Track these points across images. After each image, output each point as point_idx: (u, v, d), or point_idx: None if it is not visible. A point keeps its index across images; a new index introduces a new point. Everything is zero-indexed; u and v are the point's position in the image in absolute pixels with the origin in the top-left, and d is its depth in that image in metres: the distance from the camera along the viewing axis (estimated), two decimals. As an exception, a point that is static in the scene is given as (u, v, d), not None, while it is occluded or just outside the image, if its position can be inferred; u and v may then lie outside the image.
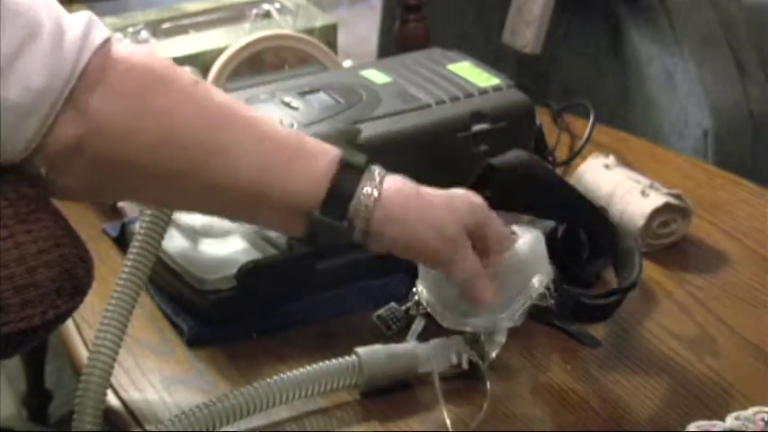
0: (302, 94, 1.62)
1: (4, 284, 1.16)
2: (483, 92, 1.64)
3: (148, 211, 1.34)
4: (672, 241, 1.66)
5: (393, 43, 2.28)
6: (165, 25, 1.92)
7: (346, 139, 1.52)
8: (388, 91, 1.64)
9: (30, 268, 1.17)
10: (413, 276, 1.44)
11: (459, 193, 1.38)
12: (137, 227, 1.54)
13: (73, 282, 1.20)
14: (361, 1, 3.84)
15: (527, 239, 1.39)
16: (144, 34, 1.88)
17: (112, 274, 1.58)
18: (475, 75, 1.68)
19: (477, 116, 1.60)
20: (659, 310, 1.55)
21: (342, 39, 1.96)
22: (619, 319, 1.52)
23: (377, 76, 1.68)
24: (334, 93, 1.63)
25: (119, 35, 1.86)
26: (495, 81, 1.66)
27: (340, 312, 1.54)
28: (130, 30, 1.88)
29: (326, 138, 1.50)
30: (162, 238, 1.35)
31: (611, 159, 1.74)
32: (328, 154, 1.29)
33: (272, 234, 1.55)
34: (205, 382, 1.44)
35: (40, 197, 1.25)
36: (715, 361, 1.46)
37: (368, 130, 1.55)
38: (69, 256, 1.20)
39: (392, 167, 1.54)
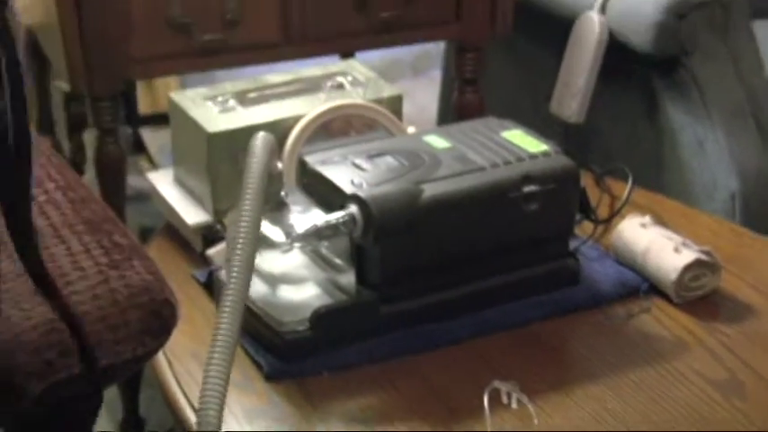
0: (371, 156, 1.62)
1: (99, 324, 1.17)
2: (533, 157, 1.63)
3: (236, 262, 1.34)
4: (703, 294, 1.65)
5: (451, 112, 2.28)
6: (251, 95, 1.93)
7: (410, 198, 1.52)
8: (447, 155, 1.63)
9: (122, 310, 1.18)
10: (472, 319, 1.44)
11: None
12: (223, 275, 1.56)
13: (160, 322, 1.20)
14: (421, 74, 3.85)
15: None
16: (232, 103, 1.88)
17: (201, 315, 1.60)
18: (526, 141, 1.67)
19: (528, 179, 1.59)
20: (691, 356, 1.54)
21: (404, 107, 1.96)
22: (653, 362, 1.51)
23: (438, 142, 1.68)
24: (400, 156, 1.63)
25: (209, 103, 1.87)
26: (543, 147, 1.66)
27: (402, 353, 1.53)
28: (220, 98, 1.89)
29: (392, 197, 1.52)
30: (249, 287, 1.35)
31: (647, 219, 1.73)
32: None
33: (343, 281, 1.55)
34: (281, 413, 1.45)
35: (133, 246, 1.26)
36: (743, 404, 1.45)
37: (430, 190, 1.54)
38: (157, 299, 1.20)
39: (451, 224, 1.56)
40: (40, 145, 1.44)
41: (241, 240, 1.36)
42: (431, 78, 3.59)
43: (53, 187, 1.33)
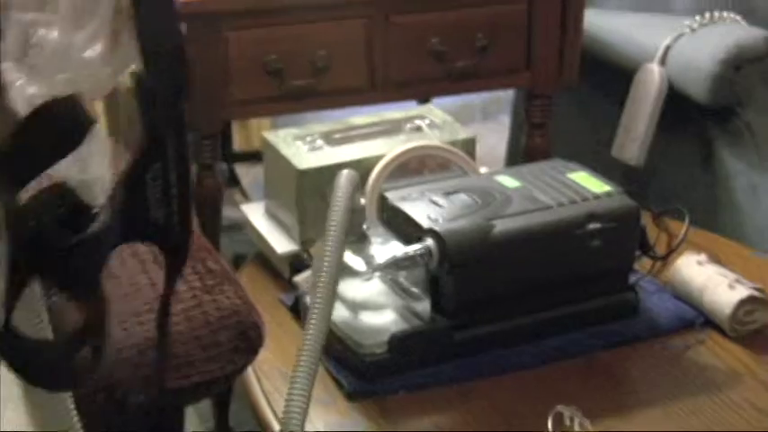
0: (447, 194, 1.61)
1: (192, 343, 1.17)
2: (597, 197, 1.61)
3: (321, 288, 1.32)
4: (755, 328, 1.62)
5: (519, 153, 2.27)
6: (336, 135, 1.93)
7: (482, 233, 1.51)
8: (517, 193, 1.62)
9: (213, 330, 1.18)
10: (538, 347, 1.42)
11: None
12: (308, 300, 1.55)
13: (247, 343, 1.21)
14: (491, 118, 3.83)
15: None
16: (319, 142, 1.88)
17: (287, 336, 1.59)
18: (590, 182, 1.66)
19: (592, 217, 1.57)
20: (744, 387, 1.51)
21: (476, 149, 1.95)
22: (707, 391, 1.48)
23: (508, 181, 1.66)
24: (473, 194, 1.62)
25: (299, 143, 1.87)
26: (607, 188, 1.64)
27: (472, 376, 1.51)
28: (308, 138, 1.89)
29: (466, 232, 1.51)
30: (332, 312, 1.34)
31: (702, 257, 1.71)
32: None
33: (419, 308, 1.54)
34: (360, 428, 1.44)
35: (224, 272, 1.26)
36: (793, 433, 1.42)
37: (501, 226, 1.53)
38: (245, 321, 1.21)
39: (520, 258, 1.54)
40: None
41: (325, 268, 1.35)
42: (499, 122, 3.58)
43: (156, 217, 1.33)
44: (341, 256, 1.37)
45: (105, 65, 0.84)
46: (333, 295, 1.34)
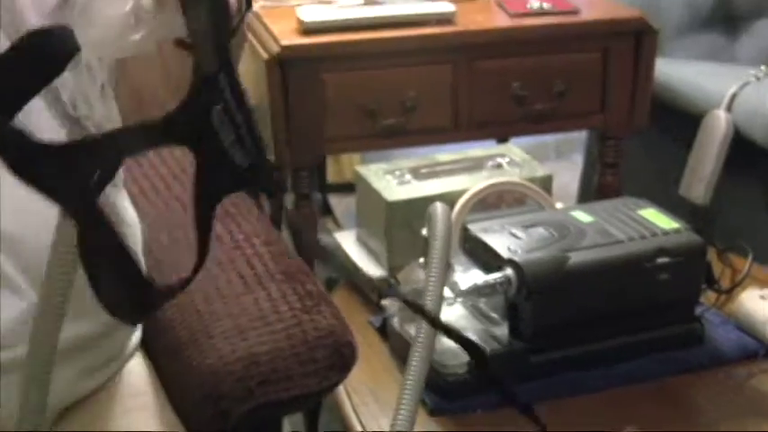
0: (525, 227, 1.61)
1: (292, 359, 1.17)
2: (665, 233, 1.60)
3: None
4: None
5: (591, 190, 2.25)
6: (423, 170, 1.93)
7: (558, 264, 1.50)
8: (591, 228, 1.61)
9: (310, 348, 1.19)
10: (608, 371, 1.40)
11: None
12: (394, 321, 1.56)
13: (342, 360, 1.21)
14: (564, 156, 3.81)
15: None
16: (407, 177, 1.89)
17: (374, 355, 1.60)
18: (659, 219, 1.64)
19: (661, 251, 1.56)
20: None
21: (551, 185, 1.95)
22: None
23: (582, 216, 1.65)
24: (550, 227, 1.61)
25: (389, 176, 1.88)
26: (675, 225, 1.62)
27: (546, 397, 1.50)
28: (397, 173, 1.90)
29: (543, 262, 1.50)
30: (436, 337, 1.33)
31: (765, 291, 1.68)
32: None
33: (498, 332, 1.53)
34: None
35: (322, 294, 1.27)
36: None
37: (575, 258, 1.52)
38: (340, 341, 1.21)
39: (593, 288, 1.53)
40: (249, 206, 1.46)
41: (430, 294, 1.35)
42: (572, 161, 3.56)
43: (259, 242, 1.35)
44: (443, 284, 1.37)
45: (132, 29, 0.79)
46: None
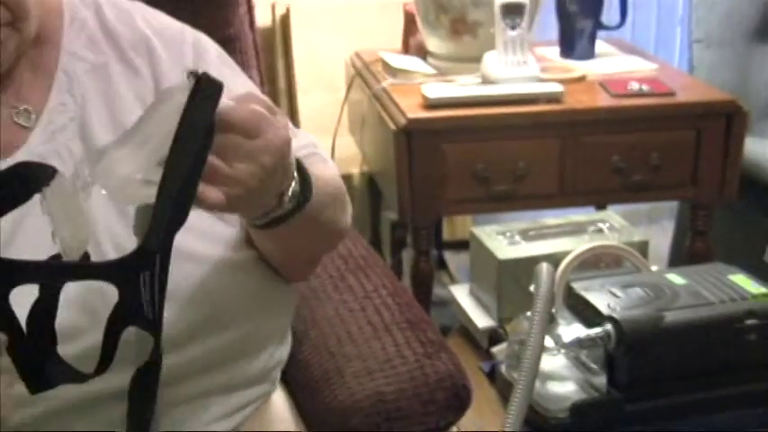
0: (623, 287, 1.58)
1: (414, 399, 1.18)
2: (754, 296, 1.56)
3: (526, 363, 1.31)
4: None
5: (682, 255, 2.22)
6: (531, 232, 1.92)
7: (654, 321, 1.48)
8: (684, 290, 1.58)
9: (431, 390, 1.19)
10: (701, 422, 1.37)
11: None
12: (503, 368, 1.55)
13: (458, 402, 1.21)
14: (656, 222, 3.76)
15: None
16: (517, 238, 1.88)
17: (483, 398, 1.58)
18: (748, 284, 1.60)
19: (750, 314, 1.52)
20: None
21: (642, 249, 1.92)
22: None
23: (676, 279, 1.62)
24: (646, 288, 1.58)
25: (500, 237, 1.87)
26: (763, 290, 1.58)
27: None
28: (507, 234, 1.89)
29: (640, 320, 1.47)
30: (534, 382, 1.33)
31: None
32: None
33: (597, 382, 1.51)
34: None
35: (441, 342, 1.27)
36: None
37: (669, 317, 1.49)
38: (458, 384, 1.21)
39: (686, 344, 1.50)
40: (377, 260, 1.47)
41: (531, 346, 1.34)
42: (663, 227, 3.50)
43: (386, 293, 1.35)
44: (544, 335, 1.37)
45: (140, 187, 0.87)
46: (536, 368, 1.33)
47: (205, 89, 0.87)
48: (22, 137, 1.11)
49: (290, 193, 0.99)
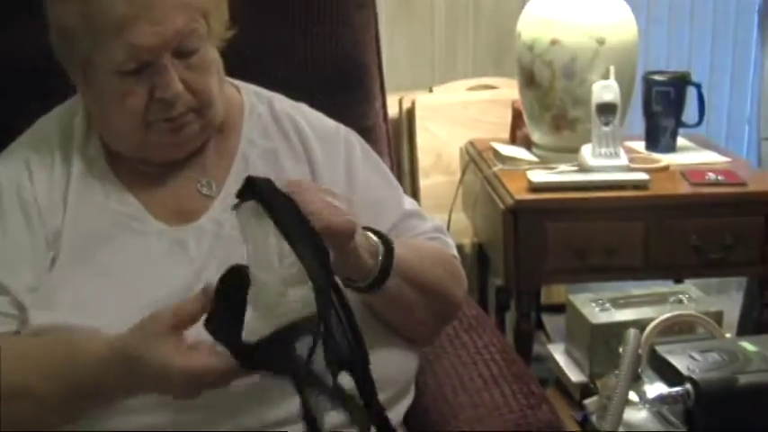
0: (701, 351, 1.52)
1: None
2: (821, 357, 1.49)
3: (613, 415, 1.27)
4: None
5: (751, 324, 2.14)
6: (620, 301, 1.89)
7: (729, 383, 1.42)
8: (756, 356, 1.50)
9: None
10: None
11: None
12: (593, 418, 1.50)
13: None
14: (724, 293, 3.63)
15: None
16: (607, 305, 1.85)
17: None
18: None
19: (816, 376, 1.45)
20: None
21: (715, 317, 1.86)
22: None
23: (748, 346, 1.55)
24: (722, 353, 1.51)
25: (593, 304, 1.84)
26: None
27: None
28: (599, 302, 1.86)
29: (716, 382, 1.42)
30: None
31: None
32: None
33: (672, 419, 1.45)
34: None
35: (542, 394, 1.24)
36: None
37: (743, 380, 1.42)
38: (554, 427, 1.18)
39: (758, 405, 1.43)
40: (487, 321, 1.45)
41: (617, 397, 1.31)
42: (731, 298, 3.38)
43: (494, 350, 1.34)
44: (629, 391, 1.33)
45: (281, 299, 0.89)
46: (621, 419, 1.30)
47: (261, 186, 0.91)
48: (205, 205, 1.15)
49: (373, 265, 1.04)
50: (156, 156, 1.14)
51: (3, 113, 1.31)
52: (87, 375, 0.97)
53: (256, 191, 0.90)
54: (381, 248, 1.05)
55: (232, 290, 0.88)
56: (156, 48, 1.05)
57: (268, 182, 0.91)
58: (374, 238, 1.05)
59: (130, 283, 1.07)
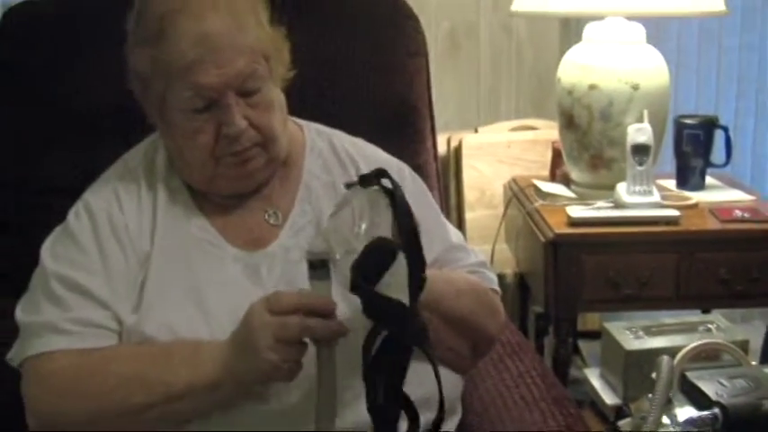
0: (729, 377, 1.50)
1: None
2: (842, 393, 1.46)
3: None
4: None
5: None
6: (653, 329, 1.89)
7: (755, 408, 1.41)
8: (781, 383, 1.50)
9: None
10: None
11: None
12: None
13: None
14: (747, 322, 3.57)
15: None
16: (641, 333, 1.85)
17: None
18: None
19: (838, 407, 1.43)
20: None
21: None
22: None
23: (774, 374, 1.55)
24: (748, 380, 1.49)
25: (627, 332, 1.83)
26: None
27: None
28: (633, 329, 1.86)
29: (743, 406, 1.40)
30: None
31: None
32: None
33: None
34: None
35: (579, 416, 1.24)
36: None
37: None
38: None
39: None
40: (529, 347, 1.46)
41: (651, 419, 1.30)
42: (754, 326, 3.32)
43: (535, 374, 1.34)
44: (662, 413, 1.32)
45: None
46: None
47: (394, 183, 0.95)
48: (273, 233, 1.18)
49: None
50: (225, 188, 1.17)
51: (89, 149, 1.35)
52: (216, 366, 1.00)
53: (390, 181, 0.93)
54: None
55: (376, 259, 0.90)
56: (220, 87, 1.08)
57: (399, 188, 0.94)
58: None
59: (211, 305, 1.09)
